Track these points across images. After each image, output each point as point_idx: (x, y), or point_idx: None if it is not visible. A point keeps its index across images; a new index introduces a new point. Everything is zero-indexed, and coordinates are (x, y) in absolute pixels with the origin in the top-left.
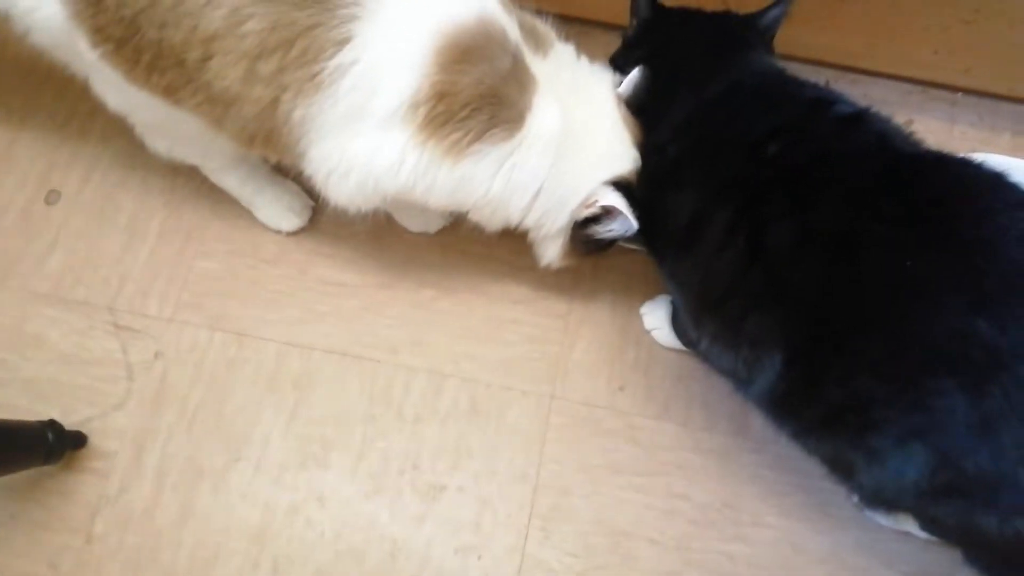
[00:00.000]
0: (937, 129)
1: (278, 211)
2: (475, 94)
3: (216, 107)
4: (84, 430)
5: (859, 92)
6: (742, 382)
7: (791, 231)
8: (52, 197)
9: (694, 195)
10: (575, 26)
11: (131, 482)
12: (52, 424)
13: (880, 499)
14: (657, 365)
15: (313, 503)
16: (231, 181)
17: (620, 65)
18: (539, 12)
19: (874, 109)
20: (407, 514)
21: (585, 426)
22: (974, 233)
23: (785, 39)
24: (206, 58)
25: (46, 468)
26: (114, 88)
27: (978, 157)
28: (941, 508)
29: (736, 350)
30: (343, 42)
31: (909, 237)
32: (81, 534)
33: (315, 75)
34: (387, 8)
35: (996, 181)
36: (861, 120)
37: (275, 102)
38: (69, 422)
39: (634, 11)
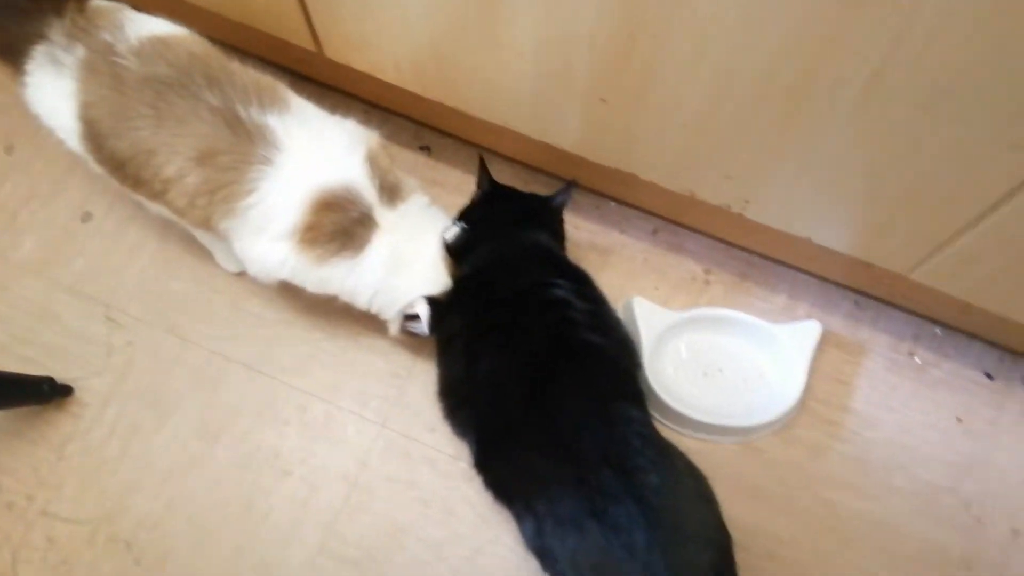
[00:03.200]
0: (727, 280)
1: (227, 257)
2: (332, 230)
3: (173, 211)
4: (73, 385)
5: (677, 241)
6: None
7: (489, 365)
8: (86, 217)
9: (458, 320)
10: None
11: (95, 425)
12: (48, 379)
13: (530, 548)
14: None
15: (203, 465)
16: (197, 232)
17: (461, 218)
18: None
19: (577, 290)
20: (262, 485)
21: (399, 450)
22: None
23: (627, 191)
24: (164, 191)
25: (43, 406)
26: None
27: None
28: (544, 564)
29: (456, 426)
30: (250, 192)
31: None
32: (56, 452)
33: (231, 209)
34: (280, 174)
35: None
36: (553, 297)
37: (208, 218)
38: (63, 377)
39: (479, 184)
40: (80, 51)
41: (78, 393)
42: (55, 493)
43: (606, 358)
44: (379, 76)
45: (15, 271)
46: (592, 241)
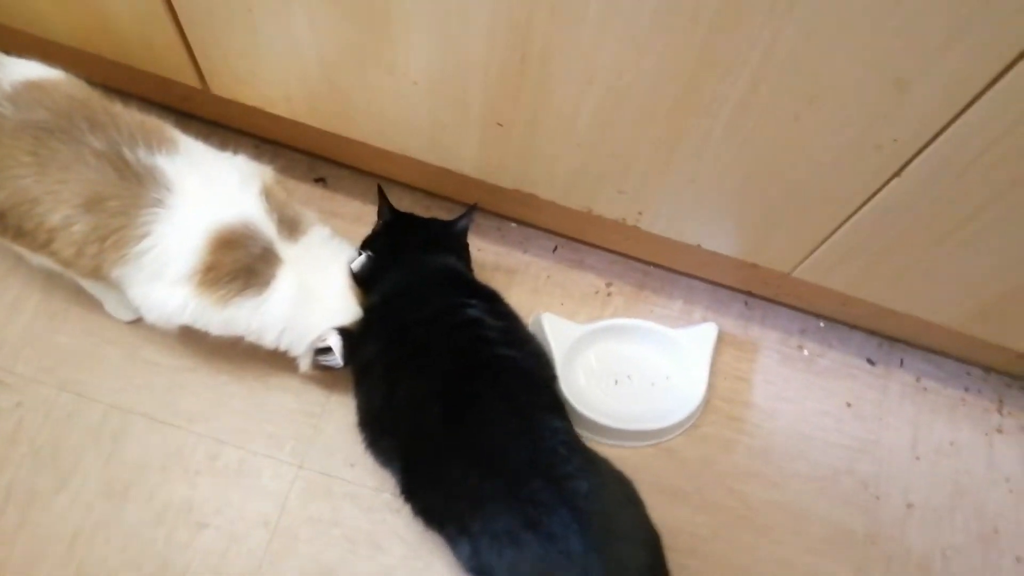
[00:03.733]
0: (627, 291)
1: (119, 306)
2: (233, 268)
3: (59, 261)
4: None
5: (577, 258)
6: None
7: (408, 390)
8: None
9: (372, 349)
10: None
11: None
12: None
13: (467, 569)
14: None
15: (112, 525)
16: (85, 283)
17: (366, 248)
18: None
19: (488, 309)
20: (177, 541)
21: (320, 489)
22: None
23: (526, 212)
24: (49, 241)
25: None
26: None
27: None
28: None
29: (379, 456)
30: (143, 236)
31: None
32: None
33: (124, 256)
34: (174, 215)
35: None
36: (466, 317)
37: (98, 267)
38: None
39: (380, 214)
40: None
41: None
42: None
43: (523, 371)
44: (270, 110)
45: None
46: (496, 262)
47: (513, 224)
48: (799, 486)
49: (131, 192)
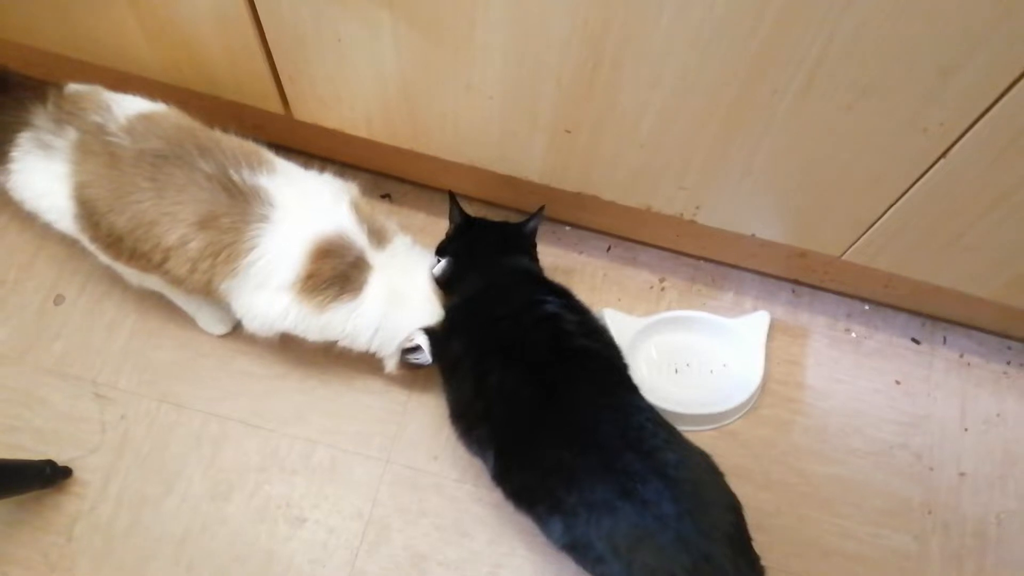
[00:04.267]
0: (680, 285)
1: (212, 321)
2: (330, 276)
3: (170, 280)
4: (71, 466)
5: (630, 256)
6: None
7: (498, 380)
8: (59, 299)
9: (459, 346)
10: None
11: (99, 502)
12: (50, 462)
13: (560, 546)
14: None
15: (218, 524)
16: (181, 300)
17: (441, 252)
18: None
19: (564, 304)
20: (279, 535)
21: (407, 482)
22: None
23: (580, 215)
24: (164, 260)
25: (44, 491)
26: (103, 257)
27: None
28: (579, 556)
29: (471, 445)
30: (251, 249)
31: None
32: (64, 535)
33: (234, 268)
34: (278, 229)
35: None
36: (545, 312)
37: (209, 282)
38: (61, 459)
39: (451, 219)
40: (71, 133)
41: (77, 473)
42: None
43: (603, 358)
44: (350, 132)
45: None
46: (555, 264)
47: (567, 227)
48: (856, 461)
49: (240, 210)
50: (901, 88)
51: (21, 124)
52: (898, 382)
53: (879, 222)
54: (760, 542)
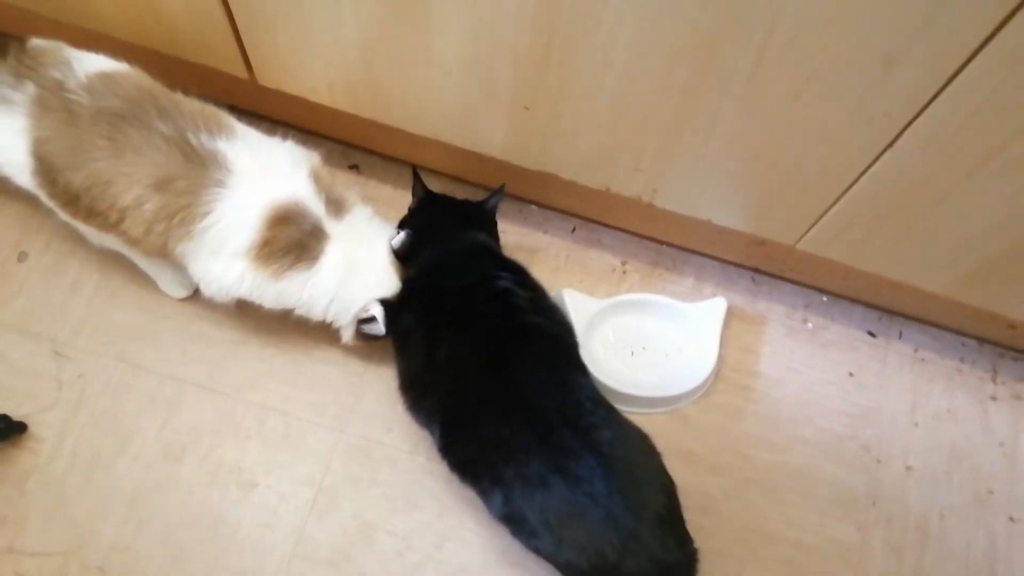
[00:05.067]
0: (642, 269)
1: (173, 284)
2: (286, 243)
3: (127, 240)
4: (27, 421)
5: (594, 237)
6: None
7: (448, 353)
8: (22, 256)
9: (412, 317)
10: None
11: (54, 458)
12: (5, 416)
13: (498, 518)
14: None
15: (170, 485)
16: (142, 261)
17: (402, 226)
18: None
19: (517, 281)
20: (230, 499)
21: (360, 452)
22: None
23: (546, 194)
24: (120, 220)
25: None
26: (62, 215)
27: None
28: (514, 529)
29: (419, 416)
30: (206, 214)
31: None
32: (16, 489)
33: (189, 232)
34: (234, 194)
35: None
36: (498, 287)
37: (164, 244)
38: (17, 414)
39: (414, 193)
40: (30, 88)
41: (33, 429)
42: (19, 528)
43: (551, 335)
44: (313, 99)
45: None
46: (519, 242)
47: (534, 207)
48: (805, 450)
49: (196, 173)
50: (845, 77)
51: None
52: (851, 374)
53: (829, 212)
54: (705, 526)
